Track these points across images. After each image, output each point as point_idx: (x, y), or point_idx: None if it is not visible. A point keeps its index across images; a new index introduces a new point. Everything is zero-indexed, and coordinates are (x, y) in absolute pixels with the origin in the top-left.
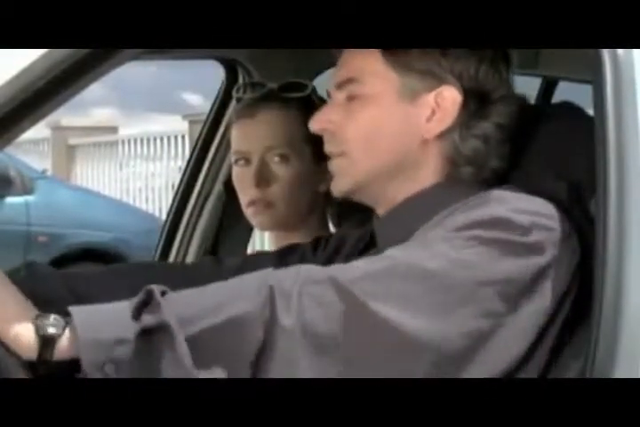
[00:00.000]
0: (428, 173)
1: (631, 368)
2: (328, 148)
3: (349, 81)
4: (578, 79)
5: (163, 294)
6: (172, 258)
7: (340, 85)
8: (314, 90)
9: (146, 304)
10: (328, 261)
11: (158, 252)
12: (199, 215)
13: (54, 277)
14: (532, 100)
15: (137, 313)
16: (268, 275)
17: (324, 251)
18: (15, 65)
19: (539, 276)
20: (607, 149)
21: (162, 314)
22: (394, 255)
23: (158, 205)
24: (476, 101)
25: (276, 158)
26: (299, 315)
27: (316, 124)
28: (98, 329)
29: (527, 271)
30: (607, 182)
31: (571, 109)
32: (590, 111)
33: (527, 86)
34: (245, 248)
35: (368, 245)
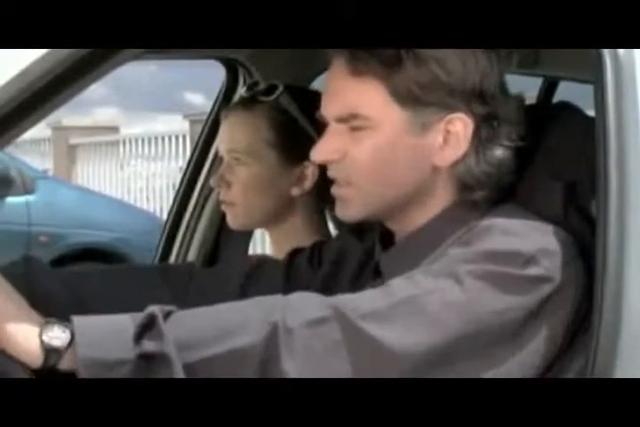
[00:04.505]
0: (439, 198)
1: (632, 368)
2: (332, 174)
3: (351, 116)
4: (579, 79)
5: (168, 314)
6: (172, 258)
7: (339, 120)
8: (283, 93)
9: (148, 326)
10: (328, 279)
11: (159, 252)
12: (200, 215)
13: (52, 273)
14: (533, 100)
15: (138, 337)
16: (274, 308)
17: (319, 265)
18: (16, 65)
19: (545, 304)
20: (608, 149)
21: (162, 343)
22: (401, 290)
23: (159, 204)
24: (487, 125)
25: (235, 161)
26: (305, 354)
27: (319, 156)
28: (99, 348)
29: (533, 301)
30: (608, 183)
31: (569, 110)
32: (592, 111)
33: (528, 86)
34: (246, 248)
35: (374, 268)
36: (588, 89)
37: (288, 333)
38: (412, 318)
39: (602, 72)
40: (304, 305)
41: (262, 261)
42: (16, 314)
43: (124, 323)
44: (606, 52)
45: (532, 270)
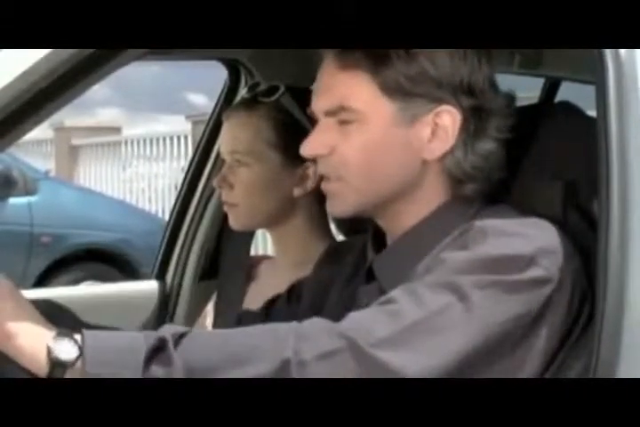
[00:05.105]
0: (431, 193)
1: (634, 368)
2: (322, 170)
3: (339, 109)
4: (581, 79)
5: (180, 337)
6: (174, 258)
7: (328, 113)
8: (284, 94)
9: (159, 350)
10: (310, 309)
11: (161, 252)
12: (202, 216)
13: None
14: (535, 101)
15: (148, 360)
16: (287, 338)
17: (298, 302)
18: (19, 65)
19: (547, 305)
20: (610, 149)
21: (171, 369)
22: (409, 313)
23: (161, 205)
24: (475, 118)
25: (237, 162)
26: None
27: (308, 150)
28: (107, 367)
29: (536, 305)
30: (609, 182)
31: (569, 109)
32: (593, 112)
33: (530, 86)
34: (248, 249)
35: (367, 270)
36: (590, 89)
37: (301, 365)
38: (423, 341)
39: (603, 72)
40: (316, 335)
41: (242, 314)
42: (26, 323)
43: (135, 343)
44: (608, 53)
45: (533, 272)
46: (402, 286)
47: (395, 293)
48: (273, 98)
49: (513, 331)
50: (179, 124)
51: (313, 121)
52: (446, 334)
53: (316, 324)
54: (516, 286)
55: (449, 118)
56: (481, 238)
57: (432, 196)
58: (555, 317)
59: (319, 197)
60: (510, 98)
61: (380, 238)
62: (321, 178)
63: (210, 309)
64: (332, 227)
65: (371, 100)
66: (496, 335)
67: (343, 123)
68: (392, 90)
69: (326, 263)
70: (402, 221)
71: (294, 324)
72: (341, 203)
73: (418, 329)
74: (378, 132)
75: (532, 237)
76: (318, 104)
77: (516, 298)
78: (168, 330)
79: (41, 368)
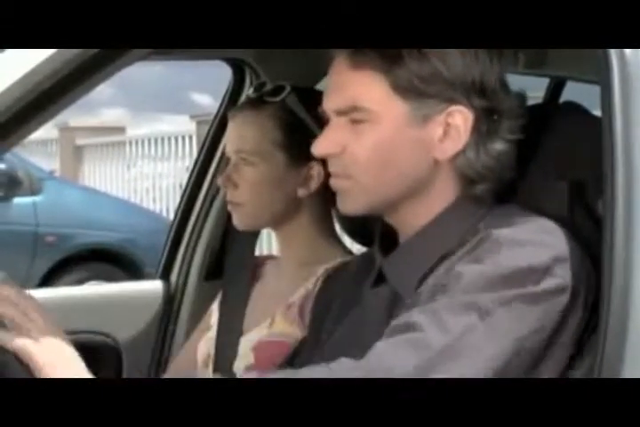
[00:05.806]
0: (441, 193)
1: (639, 368)
2: (332, 168)
3: (351, 109)
4: (586, 79)
5: None
6: (179, 258)
7: (340, 113)
8: (290, 94)
9: None
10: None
11: (165, 252)
12: (206, 215)
13: None
14: (540, 101)
15: None
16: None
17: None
18: (23, 65)
19: (566, 312)
20: (615, 148)
21: None
22: (433, 341)
23: (166, 205)
24: (487, 119)
25: (242, 161)
26: None
27: (320, 149)
28: None
29: (555, 314)
30: (614, 182)
31: (575, 109)
32: (598, 111)
33: (534, 86)
34: (253, 248)
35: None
36: (595, 89)
37: None
38: (450, 367)
39: (608, 72)
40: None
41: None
42: (65, 365)
43: None
44: (613, 52)
45: (550, 282)
46: (421, 307)
47: (416, 317)
48: (279, 98)
49: (536, 345)
50: (183, 124)
51: (321, 120)
52: (473, 355)
53: (343, 364)
54: (536, 298)
55: (461, 118)
56: (495, 249)
57: (442, 195)
58: (573, 322)
59: (324, 197)
60: (521, 98)
61: (387, 242)
62: (328, 175)
63: (215, 307)
64: (337, 227)
65: (383, 99)
66: (520, 354)
67: (355, 122)
68: (404, 90)
69: (324, 290)
70: (412, 219)
71: (319, 368)
72: (352, 201)
73: (445, 356)
74: (390, 132)
75: (546, 246)
76: (329, 103)
77: (537, 309)
78: None
79: None
